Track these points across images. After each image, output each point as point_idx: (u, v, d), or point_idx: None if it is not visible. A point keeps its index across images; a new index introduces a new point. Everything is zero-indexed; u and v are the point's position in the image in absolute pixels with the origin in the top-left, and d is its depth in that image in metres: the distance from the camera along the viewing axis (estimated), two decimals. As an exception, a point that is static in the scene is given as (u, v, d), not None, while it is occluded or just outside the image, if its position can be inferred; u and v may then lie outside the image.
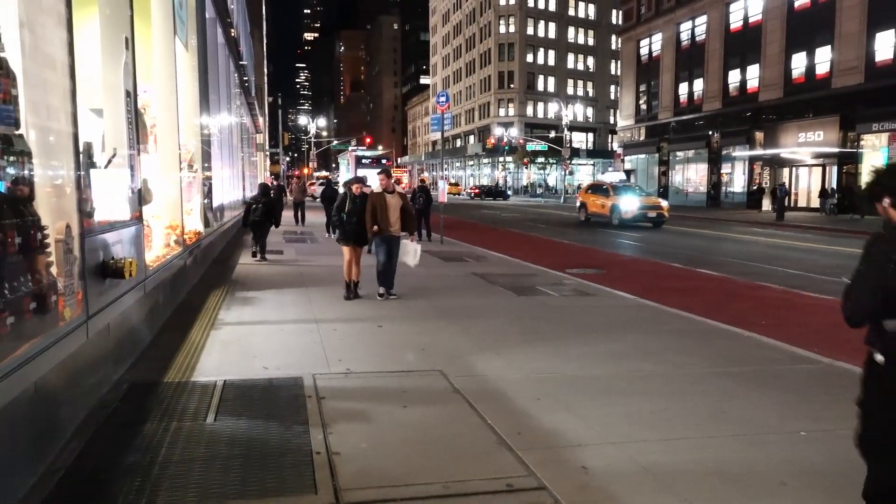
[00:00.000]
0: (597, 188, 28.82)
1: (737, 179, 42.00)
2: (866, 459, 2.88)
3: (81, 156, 3.62)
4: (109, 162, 4.45)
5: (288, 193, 29.06)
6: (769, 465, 4.05)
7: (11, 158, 2.71)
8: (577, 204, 30.16)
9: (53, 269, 3.12)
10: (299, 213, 23.72)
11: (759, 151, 38.30)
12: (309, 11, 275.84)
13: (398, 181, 28.47)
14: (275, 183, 29.24)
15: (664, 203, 27.00)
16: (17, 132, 2.75)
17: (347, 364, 6.07)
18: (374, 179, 26.56)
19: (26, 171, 2.84)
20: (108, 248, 4.16)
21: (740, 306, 9.74)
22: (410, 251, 9.38)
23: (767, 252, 17.56)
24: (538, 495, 3.62)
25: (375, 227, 9.15)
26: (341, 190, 15.50)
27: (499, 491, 3.65)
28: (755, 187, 38.67)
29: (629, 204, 25.48)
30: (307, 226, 23.05)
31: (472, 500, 3.54)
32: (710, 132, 42.42)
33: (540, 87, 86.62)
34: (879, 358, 2.72)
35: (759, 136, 38.37)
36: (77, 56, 4.46)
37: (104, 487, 3.56)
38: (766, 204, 36.11)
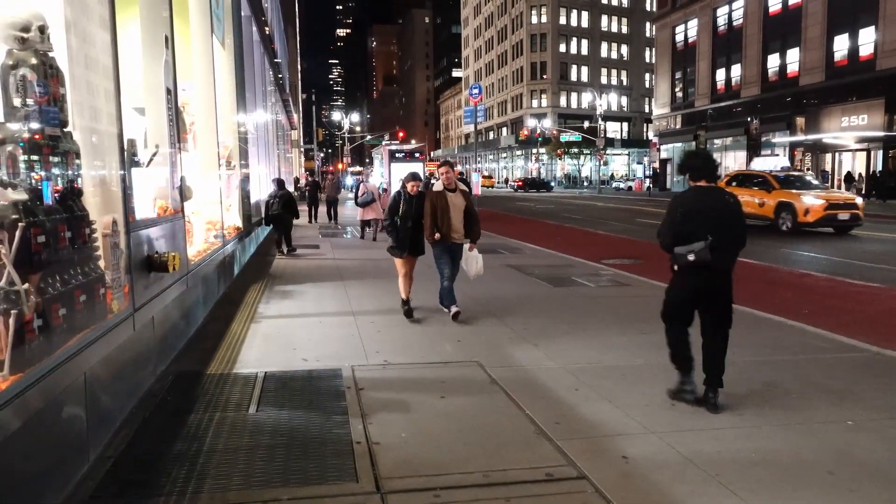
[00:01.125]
0: (749, 179, 20.75)
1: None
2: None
3: (125, 153, 3.72)
4: (152, 159, 4.55)
5: (322, 189, 28.83)
6: (816, 455, 3.98)
7: (59, 157, 2.79)
8: None
9: (101, 263, 3.21)
10: (332, 211, 23.30)
11: (800, 137, 37.36)
12: (341, 7, 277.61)
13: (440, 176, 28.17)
14: (309, 179, 28.85)
15: (859, 200, 19.10)
16: (65, 130, 2.84)
17: (385, 356, 6.12)
18: (406, 172, 26.53)
19: (74, 169, 2.93)
20: (152, 243, 4.27)
21: (783, 294, 9.53)
22: (472, 261, 7.74)
23: (811, 242, 17.15)
24: (578, 485, 3.60)
25: (437, 234, 7.46)
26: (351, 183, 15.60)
27: (539, 480, 3.65)
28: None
29: (811, 202, 18.14)
30: (340, 223, 22.98)
31: (512, 488, 3.55)
32: (749, 118, 41.47)
33: (573, 76, 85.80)
34: (675, 268, 4.82)
35: (801, 121, 37.43)
36: (119, 56, 4.57)
37: (153, 474, 3.66)
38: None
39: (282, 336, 6.97)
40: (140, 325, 4.08)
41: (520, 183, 68.29)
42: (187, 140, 7.45)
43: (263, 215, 14.64)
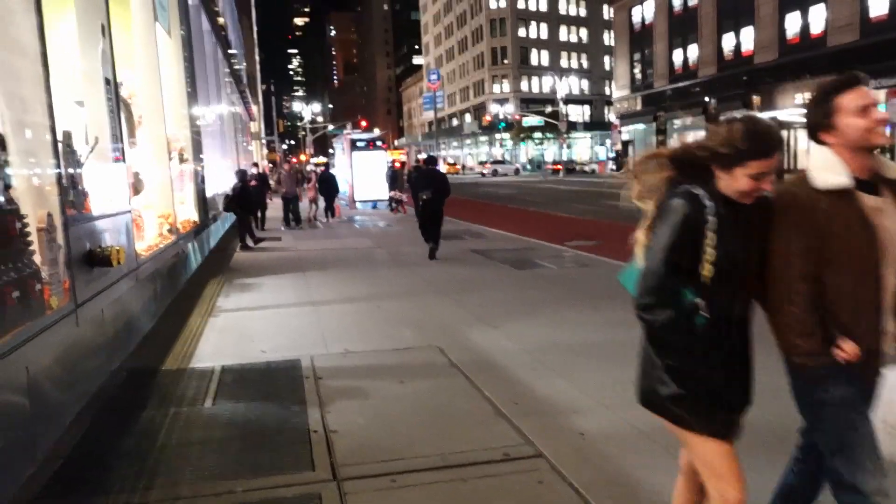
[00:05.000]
0: None
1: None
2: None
3: (60, 145, 3.60)
4: (91, 151, 4.42)
5: (273, 185, 23.78)
6: (769, 424, 4.06)
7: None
8: None
9: (36, 258, 3.11)
10: (290, 210, 18.86)
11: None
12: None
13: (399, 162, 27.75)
14: (254, 172, 21.28)
15: None
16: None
17: (345, 344, 6.08)
18: (368, 161, 25.65)
19: (2, 161, 2.82)
20: (94, 237, 4.15)
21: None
22: None
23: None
24: (535, 463, 3.63)
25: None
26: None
27: (496, 461, 3.66)
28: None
29: None
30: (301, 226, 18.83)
31: (469, 469, 3.56)
32: (707, 98, 42.10)
33: (534, 61, 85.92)
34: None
35: (756, 99, 38.06)
36: (55, 46, 4.41)
37: (103, 472, 3.59)
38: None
39: (240, 329, 6.88)
40: (85, 322, 3.97)
41: (486, 166, 67.94)
42: (136, 133, 7.28)
43: (223, 208, 14.40)
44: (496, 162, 71.14)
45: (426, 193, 11.30)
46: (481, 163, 75.77)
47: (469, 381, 4.97)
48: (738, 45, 40.22)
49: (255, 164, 25.71)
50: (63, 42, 4.52)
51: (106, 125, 4.74)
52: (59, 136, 3.60)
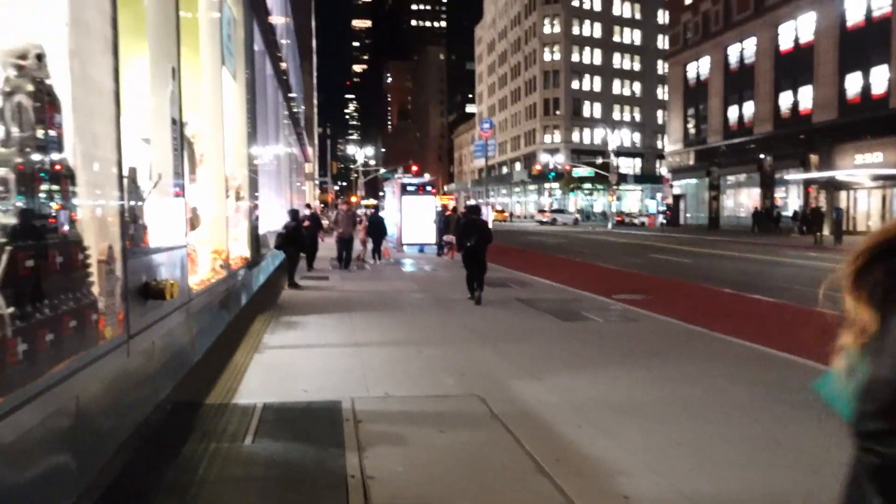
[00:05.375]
0: None
1: (791, 203, 40.82)
2: None
3: (126, 181, 3.74)
4: (154, 187, 4.59)
5: (326, 225, 22.49)
6: (824, 496, 3.85)
7: (54, 182, 2.81)
8: None
9: (95, 289, 3.21)
10: (345, 254, 18.26)
11: (814, 174, 37.19)
12: (358, 44, 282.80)
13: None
14: (308, 212, 20.97)
15: None
16: (61, 156, 2.87)
17: (386, 388, 6.05)
18: (417, 205, 25.97)
19: (69, 194, 2.94)
20: (150, 270, 4.27)
21: (796, 333, 9.38)
22: None
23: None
24: (576, 523, 3.50)
25: None
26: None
27: (535, 518, 3.55)
28: (804, 211, 36.83)
29: None
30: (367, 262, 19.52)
31: (507, 526, 3.46)
32: (762, 155, 41.48)
33: (586, 112, 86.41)
34: None
35: (814, 158, 37.31)
36: (126, 86, 4.63)
37: (142, 505, 3.60)
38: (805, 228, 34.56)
39: (284, 366, 6.93)
40: (136, 353, 4.05)
41: (546, 214, 66.26)
42: (196, 171, 7.52)
43: (275, 245, 14.72)
44: (556, 211, 70.10)
45: (471, 241, 11.91)
46: (540, 210, 73.78)
47: (510, 434, 4.86)
48: (795, 104, 39.69)
49: (308, 206, 25.38)
50: (135, 82, 4.74)
51: (169, 162, 4.92)
52: (125, 172, 3.75)
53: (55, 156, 2.84)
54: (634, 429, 5.02)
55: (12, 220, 2.49)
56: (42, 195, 2.71)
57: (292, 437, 4.71)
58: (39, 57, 2.64)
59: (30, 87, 2.63)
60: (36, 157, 2.68)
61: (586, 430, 4.98)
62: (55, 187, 2.81)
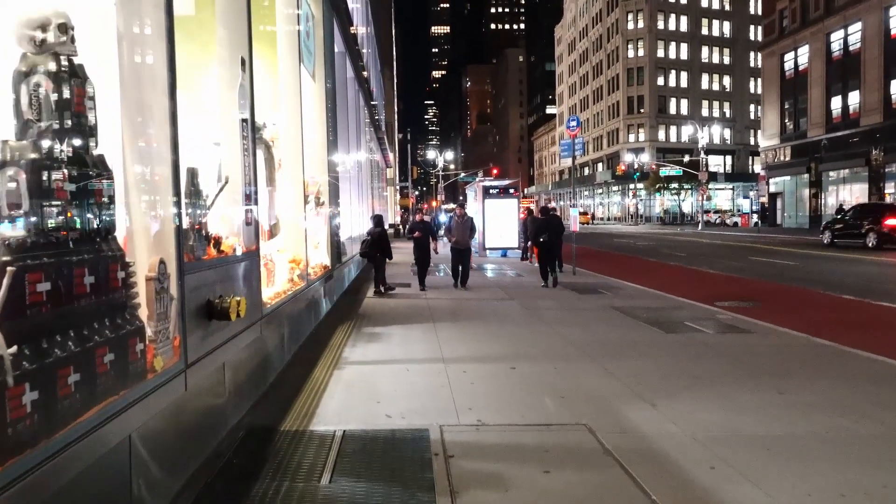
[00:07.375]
0: None
1: (905, 199, 37.58)
2: None
3: (183, 184, 3.24)
4: (220, 191, 4.10)
5: (442, 235, 21.04)
6: None
7: (84, 184, 2.30)
8: None
9: (141, 312, 2.70)
10: (461, 269, 14.93)
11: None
12: (437, 50, 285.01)
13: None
14: (426, 219, 17.62)
15: None
16: (93, 152, 2.36)
17: (478, 413, 5.38)
18: (500, 209, 25.44)
19: (105, 198, 2.43)
20: (215, 286, 3.77)
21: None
22: None
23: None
24: None
25: None
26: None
27: None
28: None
29: None
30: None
31: None
32: (870, 148, 38.39)
33: (672, 110, 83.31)
34: None
35: (932, 150, 34.18)
36: (191, 82, 4.17)
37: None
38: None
39: (366, 385, 6.38)
40: (200, 379, 3.56)
41: (725, 215, 61.41)
42: (275, 176, 7.12)
43: (359, 252, 14.33)
44: (719, 212, 63.84)
45: (544, 236, 14.57)
46: (706, 211, 62.00)
47: (628, 476, 4.10)
48: (909, 91, 36.54)
49: (420, 210, 22.80)
50: (198, 74, 4.28)
51: (238, 164, 4.43)
52: (182, 174, 3.24)
53: (87, 151, 2.32)
54: (781, 471, 4.15)
55: (20, 233, 1.98)
56: (67, 199, 2.19)
57: (375, 476, 4.11)
58: (63, 28, 2.13)
59: (52, 66, 2.12)
60: (58, 151, 2.17)
61: (721, 472, 4.15)
62: (86, 190, 2.30)
